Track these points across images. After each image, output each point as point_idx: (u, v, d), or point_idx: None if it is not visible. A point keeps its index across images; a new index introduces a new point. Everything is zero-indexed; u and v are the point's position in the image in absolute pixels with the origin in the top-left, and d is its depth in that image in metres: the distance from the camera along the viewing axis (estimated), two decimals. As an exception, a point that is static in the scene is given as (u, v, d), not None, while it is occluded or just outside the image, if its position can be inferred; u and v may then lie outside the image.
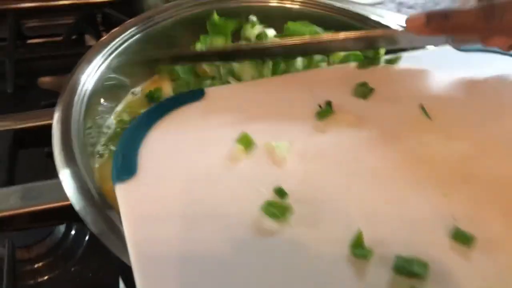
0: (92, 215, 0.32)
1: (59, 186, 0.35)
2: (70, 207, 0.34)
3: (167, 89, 0.49)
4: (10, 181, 0.37)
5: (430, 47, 0.48)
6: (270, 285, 0.28)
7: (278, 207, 0.31)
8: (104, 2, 0.85)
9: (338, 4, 0.53)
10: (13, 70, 0.70)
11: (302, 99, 0.40)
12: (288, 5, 0.53)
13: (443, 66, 0.45)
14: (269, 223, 0.30)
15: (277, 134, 0.37)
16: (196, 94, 0.40)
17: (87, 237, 0.56)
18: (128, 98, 0.49)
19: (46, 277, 0.52)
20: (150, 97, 0.48)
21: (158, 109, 0.38)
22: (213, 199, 0.32)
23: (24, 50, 0.78)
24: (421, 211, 0.32)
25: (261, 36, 0.47)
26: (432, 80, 0.43)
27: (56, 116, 0.37)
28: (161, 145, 0.35)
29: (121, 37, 0.45)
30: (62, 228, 0.56)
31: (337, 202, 0.32)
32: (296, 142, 0.36)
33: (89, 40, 0.84)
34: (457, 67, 0.45)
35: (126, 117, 0.46)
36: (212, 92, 0.40)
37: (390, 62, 0.45)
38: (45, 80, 0.69)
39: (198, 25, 0.49)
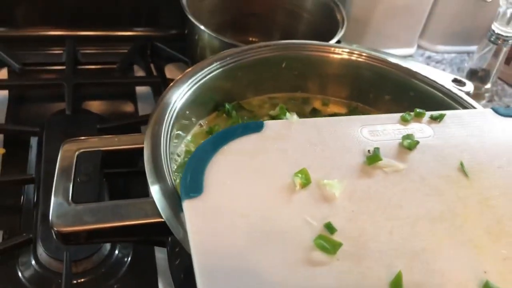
0: (183, 233, 0.35)
1: (145, 204, 0.38)
2: (155, 224, 0.37)
3: (224, 125, 0.54)
4: (99, 199, 0.40)
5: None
6: None
7: (329, 241, 0.33)
8: (153, 36, 0.91)
9: (394, 60, 0.57)
10: (72, 93, 0.74)
11: (352, 141, 0.44)
12: (354, 58, 0.57)
13: (484, 127, 0.48)
14: (319, 255, 0.33)
15: (328, 172, 0.40)
16: (256, 126, 0.43)
17: (129, 258, 0.59)
18: (196, 129, 0.53)
19: (88, 293, 0.55)
20: (210, 132, 0.52)
21: (223, 135, 0.42)
22: (269, 223, 0.35)
23: (78, 76, 0.82)
24: (456, 262, 0.35)
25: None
26: (473, 141, 0.46)
27: (146, 143, 0.41)
28: (225, 168, 0.39)
29: (203, 71, 0.49)
30: (107, 246, 0.59)
31: (380, 243, 0.35)
32: (345, 182, 0.39)
33: (137, 70, 0.88)
34: (497, 131, 0.48)
35: (192, 148, 0.50)
36: (271, 125, 0.44)
37: (434, 118, 0.48)
38: (95, 105, 0.73)
39: (268, 68, 0.53)
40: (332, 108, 0.61)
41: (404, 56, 1.01)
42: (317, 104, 0.61)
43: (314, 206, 0.37)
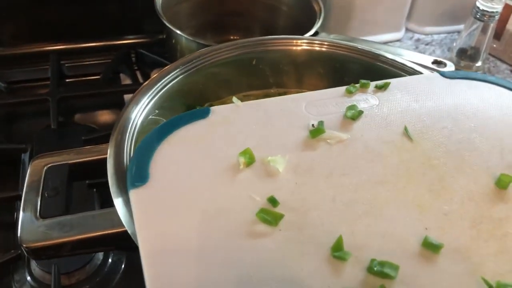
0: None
1: (111, 215, 0.39)
2: (122, 233, 0.38)
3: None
4: (67, 211, 0.41)
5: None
6: (259, 278, 0.31)
7: (270, 214, 0.35)
8: (137, 43, 0.91)
9: (360, 46, 0.57)
10: (56, 107, 0.75)
11: (297, 118, 0.45)
12: (317, 48, 0.57)
13: (429, 92, 0.49)
14: (262, 227, 0.35)
15: (273, 149, 0.41)
16: (202, 112, 0.44)
17: (123, 266, 0.59)
18: (168, 134, 0.53)
19: (84, 303, 0.55)
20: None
21: (168, 125, 0.43)
22: (214, 203, 0.36)
23: (64, 89, 0.83)
24: (397, 222, 0.36)
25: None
26: (417, 105, 0.47)
27: (110, 152, 0.41)
28: (170, 156, 0.40)
29: (165, 78, 0.50)
30: (100, 255, 0.59)
31: (322, 211, 0.36)
32: (289, 157, 0.40)
33: (124, 79, 0.89)
34: (442, 93, 0.49)
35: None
36: (217, 110, 0.45)
37: (379, 87, 0.49)
38: (82, 117, 0.74)
39: (238, 67, 0.53)
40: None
41: (392, 40, 1.01)
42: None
43: (258, 182, 0.38)
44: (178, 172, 0.38)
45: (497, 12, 0.82)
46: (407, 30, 1.04)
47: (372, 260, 0.33)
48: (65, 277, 0.56)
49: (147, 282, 0.31)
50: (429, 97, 0.48)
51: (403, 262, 0.33)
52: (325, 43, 0.57)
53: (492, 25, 0.84)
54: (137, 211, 0.35)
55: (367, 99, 0.48)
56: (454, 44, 0.91)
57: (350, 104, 0.46)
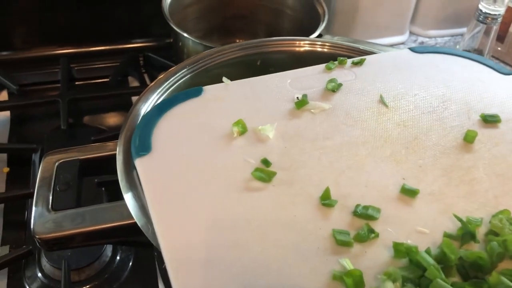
0: (152, 230, 0.36)
1: (121, 208, 0.40)
2: (132, 225, 0.39)
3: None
4: (78, 205, 0.42)
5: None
6: (257, 223, 0.35)
7: (264, 172, 0.39)
8: (145, 46, 0.93)
9: (362, 47, 0.58)
10: (66, 109, 0.77)
11: (283, 92, 0.49)
12: (319, 49, 0.58)
13: (401, 66, 0.54)
14: (257, 184, 0.39)
15: (263, 120, 0.45)
16: (196, 91, 0.48)
17: (131, 262, 0.61)
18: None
19: (92, 299, 0.57)
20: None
21: (165, 103, 0.47)
22: (212, 167, 0.40)
23: (74, 91, 0.85)
24: (377, 174, 0.40)
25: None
26: (391, 77, 0.52)
27: (119, 149, 0.43)
28: (169, 128, 0.44)
29: (173, 77, 0.51)
30: (109, 252, 0.61)
31: (310, 169, 0.40)
32: (277, 125, 0.44)
33: (132, 81, 0.91)
34: (413, 66, 0.54)
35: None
36: (209, 89, 0.49)
37: (355, 63, 0.53)
38: (92, 119, 0.76)
39: (243, 68, 0.54)
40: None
41: (396, 43, 1.02)
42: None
43: (251, 148, 0.42)
44: (178, 143, 0.42)
45: (499, 14, 0.83)
46: (411, 33, 1.05)
47: (357, 205, 0.37)
48: (75, 273, 0.58)
49: (161, 245, 0.34)
50: (401, 69, 0.53)
51: (384, 206, 0.37)
52: (327, 44, 0.59)
53: (495, 28, 0.85)
54: (143, 177, 0.39)
55: (345, 74, 0.52)
56: (457, 47, 0.92)
57: (330, 78, 0.51)
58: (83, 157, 0.45)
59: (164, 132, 0.43)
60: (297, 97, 0.48)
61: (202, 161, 0.40)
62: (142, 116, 0.45)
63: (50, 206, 0.41)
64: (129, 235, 0.40)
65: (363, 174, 0.40)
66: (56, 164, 0.45)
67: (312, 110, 0.47)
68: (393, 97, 0.49)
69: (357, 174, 0.40)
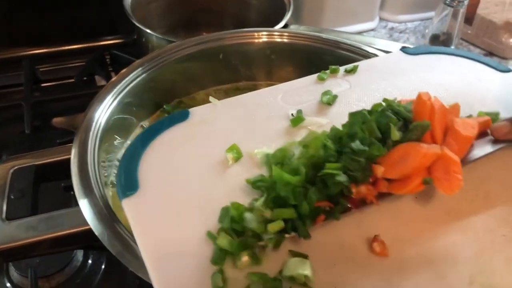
0: (109, 237, 0.35)
1: (78, 213, 0.39)
2: (89, 231, 0.38)
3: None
4: (34, 212, 0.41)
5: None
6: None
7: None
8: (111, 44, 0.91)
9: (325, 36, 0.57)
10: (30, 112, 0.75)
11: (275, 109, 0.46)
12: (278, 39, 0.57)
13: (395, 70, 0.51)
14: None
15: (258, 142, 0.42)
16: (182, 115, 0.44)
17: (103, 266, 0.59)
18: (137, 132, 0.53)
19: (66, 305, 0.55)
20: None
21: (151, 130, 0.42)
22: (210, 203, 0.36)
23: (39, 94, 0.83)
24: None
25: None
26: (386, 83, 0.49)
27: (73, 152, 0.41)
28: (157, 160, 0.40)
29: (128, 77, 0.50)
30: (80, 257, 0.59)
31: None
32: (273, 146, 0.41)
33: (99, 80, 0.89)
34: (407, 69, 0.51)
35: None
36: (196, 111, 0.45)
37: (348, 71, 0.51)
38: (59, 120, 0.74)
39: (205, 62, 0.53)
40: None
41: (367, 30, 1.01)
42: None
43: (249, 175, 0.38)
44: (167, 177, 0.38)
45: (465, -3, 0.83)
46: (381, 19, 1.05)
47: None
48: (44, 280, 0.56)
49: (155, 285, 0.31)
50: (396, 74, 0.50)
51: None
52: (285, 34, 0.57)
53: (462, 11, 0.85)
54: (132, 220, 0.35)
55: (339, 84, 0.49)
56: (427, 31, 0.92)
57: (324, 90, 0.48)
58: (39, 162, 0.44)
59: (152, 165, 0.39)
60: (292, 114, 0.45)
61: (197, 196, 0.37)
62: (126, 150, 0.41)
63: (4, 216, 0.40)
64: (87, 241, 0.39)
65: None
66: (11, 171, 0.43)
67: (309, 127, 0.43)
68: None
69: None
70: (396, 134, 0.35)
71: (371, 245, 0.34)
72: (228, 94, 0.59)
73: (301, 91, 0.48)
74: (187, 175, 0.38)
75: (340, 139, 0.36)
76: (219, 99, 0.47)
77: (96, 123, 0.45)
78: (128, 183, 0.37)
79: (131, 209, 0.35)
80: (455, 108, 0.40)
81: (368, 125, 0.36)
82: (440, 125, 0.37)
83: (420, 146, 0.35)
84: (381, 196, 0.36)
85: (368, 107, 0.44)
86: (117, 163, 0.49)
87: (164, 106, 0.55)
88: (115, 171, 0.48)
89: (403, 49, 0.54)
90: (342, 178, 0.33)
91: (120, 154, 0.50)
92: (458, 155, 0.36)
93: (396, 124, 0.36)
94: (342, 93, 0.48)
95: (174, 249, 0.33)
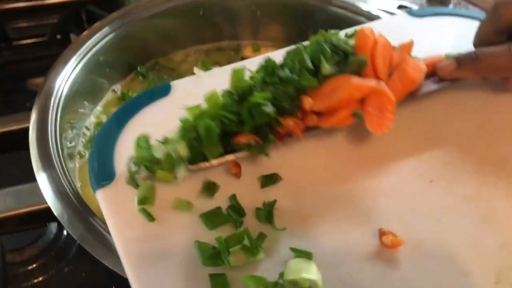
0: (70, 219, 0.32)
1: (38, 189, 0.35)
2: (48, 209, 0.34)
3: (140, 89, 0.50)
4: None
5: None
6: None
7: None
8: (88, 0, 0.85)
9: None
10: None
11: None
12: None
13: (401, 33, 0.44)
14: None
15: None
16: (163, 90, 0.39)
17: (79, 237, 0.56)
18: (109, 96, 0.49)
19: (40, 278, 0.53)
20: (123, 99, 0.48)
21: (126, 108, 0.37)
22: None
23: (10, 53, 0.77)
24: None
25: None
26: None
27: (32, 120, 0.37)
28: None
29: (97, 35, 0.45)
30: (53, 229, 0.56)
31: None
32: None
33: (75, 39, 0.83)
34: (414, 32, 0.45)
35: (104, 119, 0.46)
36: (179, 85, 0.39)
37: (349, 36, 0.44)
38: (36, 82, 0.70)
39: (183, 18, 0.48)
40: (264, 54, 0.56)
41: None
42: (247, 52, 0.56)
43: None
44: None
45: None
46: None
47: None
48: (16, 253, 0.53)
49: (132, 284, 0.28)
50: (403, 38, 0.43)
51: None
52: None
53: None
54: (108, 213, 0.30)
55: None
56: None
57: None
58: (-2, 131, 0.40)
59: (129, 150, 0.33)
60: None
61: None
62: (99, 131, 0.35)
63: (-45, 192, 0.36)
64: (49, 220, 0.36)
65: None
66: (-37, 143, 0.39)
67: None
68: None
69: None
70: (326, 67, 0.34)
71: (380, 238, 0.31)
72: (209, 54, 0.54)
73: None
74: None
75: (272, 70, 0.34)
76: (199, 59, 0.42)
77: (59, 88, 0.40)
78: (103, 171, 0.32)
79: (106, 201, 0.31)
80: (407, 46, 0.38)
81: (299, 56, 0.34)
82: (383, 61, 0.36)
83: (352, 78, 0.34)
84: (308, 130, 0.34)
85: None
86: (85, 131, 0.44)
87: (138, 68, 0.51)
88: (83, 140, 0.44)
89: (409, 11, 0.50)
90: (269, 108, 0.31)
91: (88, 121, 0.46)
92: (400, 95, 0.35)
93: (329, 57, 0.34)
94: None
95: (156, 247, 0.29)
